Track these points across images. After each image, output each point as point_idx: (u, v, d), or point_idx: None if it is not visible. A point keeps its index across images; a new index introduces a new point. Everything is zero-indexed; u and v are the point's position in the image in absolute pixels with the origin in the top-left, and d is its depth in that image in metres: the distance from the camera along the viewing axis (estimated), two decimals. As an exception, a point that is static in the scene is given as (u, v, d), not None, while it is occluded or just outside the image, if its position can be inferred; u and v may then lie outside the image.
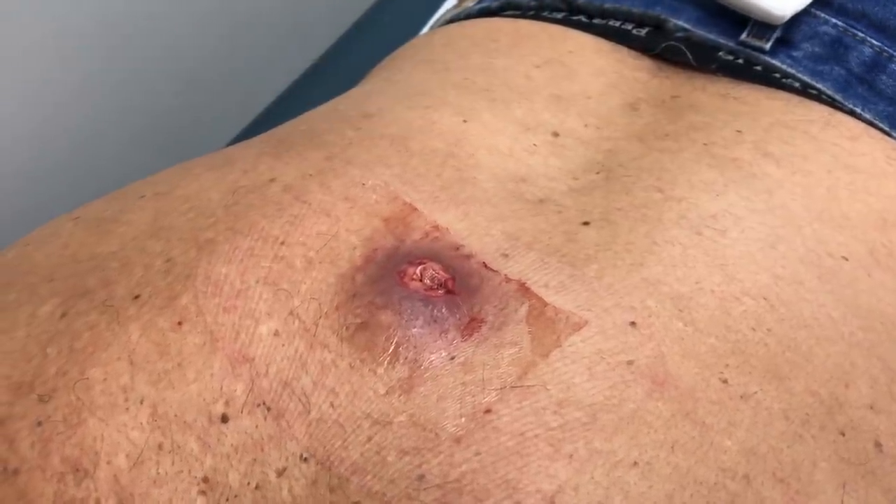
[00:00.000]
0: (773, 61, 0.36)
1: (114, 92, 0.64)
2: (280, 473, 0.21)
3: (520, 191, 0.29)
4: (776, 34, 0.36)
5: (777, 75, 0.35)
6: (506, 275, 0.25)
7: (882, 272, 0.29)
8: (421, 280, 0.24)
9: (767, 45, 0.36)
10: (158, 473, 0.21)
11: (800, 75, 0.35)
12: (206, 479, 0.21)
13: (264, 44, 0.73)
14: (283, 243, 0.25)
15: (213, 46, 0.69)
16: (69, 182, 0.61)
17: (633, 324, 0.24)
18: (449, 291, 0.24)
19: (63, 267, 0.25)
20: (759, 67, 0.36)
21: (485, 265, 0.25)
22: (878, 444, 0.24)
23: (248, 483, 0.21)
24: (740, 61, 0.36)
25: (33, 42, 0.58)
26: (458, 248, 0.25)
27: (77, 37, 0.60)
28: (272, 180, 0.27)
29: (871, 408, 0.24)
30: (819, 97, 0.34)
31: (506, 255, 0.25)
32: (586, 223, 0.27)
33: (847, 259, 0.28)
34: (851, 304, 0.27)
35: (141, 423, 0.21)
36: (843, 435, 0.23)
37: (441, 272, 0.24)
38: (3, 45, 0.56)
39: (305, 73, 0.67)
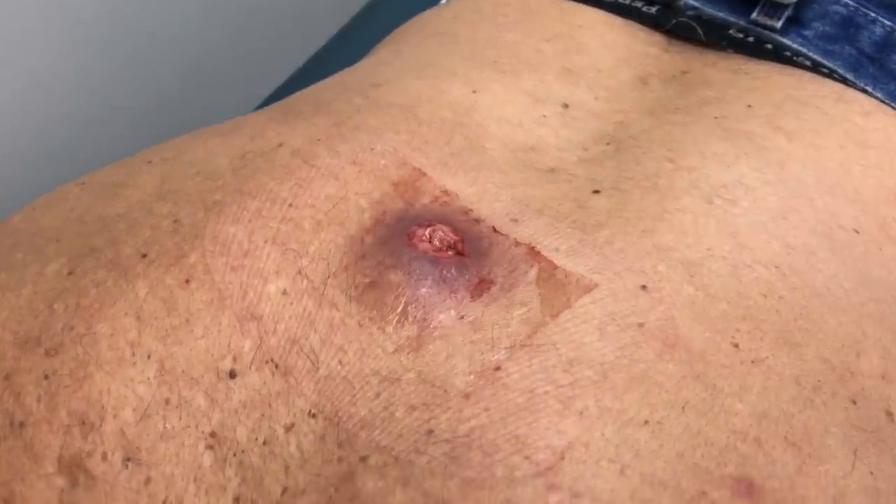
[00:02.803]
0: (784, 40, 0.35)
1: (115, 79, 0.64)
2: (288, 429, 0.21)
3: (529, 160, 0.29)
4: (787, 13, 0.36)
5: (788, 54, 0.35)
6: (515, 239, 0.24)
7: (893, 246, 0.29)
8: (430, 241, 0.24)
9: (778, 24, 0.36)
10: (165, 428, 0.21)
11: (811, 54, 0.35)
12: (213, 434, 0.21)
13: (269, 30, 0.73)
14: (291, 205, 0.24)
15: (217, 33, 0.69)
16: (70, 168, 0.61)
17: (643, 287, 0.23)
18: (458, 253, 0.24)
19: (69, 228, 0.25)
20: (769, 46, 0.35)
21: (494, 229, 0.25)
22: (889, 414, 0.23)
23: (256, 438, 0.21)
24: (751, 40, 0.36)
25: (35, 26, 0.58)
26: (467, 213, 0.25)
27: (78, 21, 0.60)
28: (280, 145, 0.27)
29: (883, 377, 0.24)
30: (830, 75, 0.34)
31: (515, 221, 0.25)
32: (597, 192, 0.27)
33: (858, 232, 0.28)
34: (863, 276, 0.27)
35: (148, 378, 0.21)
36: (855, 403, 0.23)
37: (450, 234, 0.24)
38: (3, 30, 0.56)
39: (310, 61, 0.67)
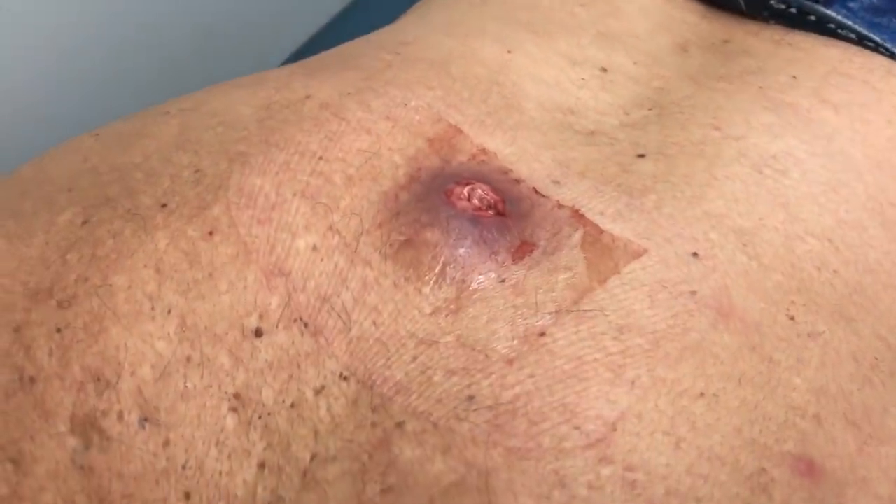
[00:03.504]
0: (828, 11, 0.34)
1: (128, 39, 0.62)
2: (318, 392, 0.19)
3: (568, 122, 0.27)
4: None
5: (832, 26, 0.34)
6: (558, 201, 0.23)
7: None
8: (469, 200, 0.22)
9: None
10: (186, 387, 0.19)
11: (856, 27, 0.34)
12: (237, 396, 0.19)
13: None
14: (321, 158, 0.23)
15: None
16: (82, 129, 0.59)
17: (695, 255, 0.22)
18: (499, 213, 0.22)
19: (82, 178, 0.24)
20: (812, 17, 0.34)
21: (535, 190, 0.23)
22: None
23: (284, 401, 0.19)
24: (793, 10, 0.34)
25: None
26: (506, 173, 0.24)
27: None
28: (308, 97, 0.25)
29: None
30: (877, 49, 0.33)
31: (557, 182, 0.24)
32: (641, 156, 0.25)
33: None
34: None
35: (168, 334, 0.20)
36: None
37: (491, 193, 0.22)
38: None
39: (326, 27, 0.66)
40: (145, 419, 0.19)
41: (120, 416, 0.19)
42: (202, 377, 0.19)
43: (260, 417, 0.19)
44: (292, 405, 0.19)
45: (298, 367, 0.20)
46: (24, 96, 0.57)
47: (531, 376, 0.19)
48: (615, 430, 0.18)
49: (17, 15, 0.54)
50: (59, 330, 0.20)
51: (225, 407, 0.19)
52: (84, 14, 0.58)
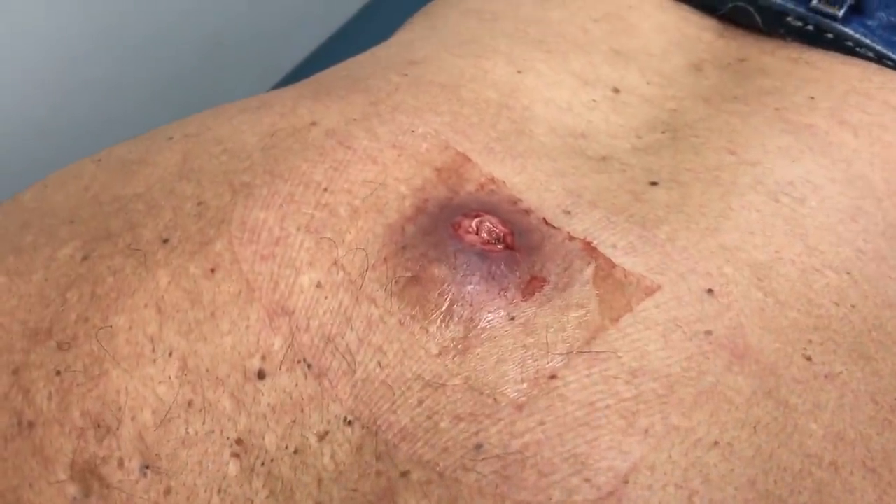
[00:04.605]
0: (846, 29, 0.33)
1: (131, 52, 0.62)
2: (321, 437, 0.19)
3: (580, 147, 0.26)
4: (849, 1, 0.34)
5: (849, 44, 0.33)
6: (569, 232, 0.22)
7: None
8: (477, 233, 0.22)
9: (840, 13, 0.33)
10: (188, 433, 0.19)
11: (874, 45, 0.33)
12: (239, 441, 0.19)
13: (292, 4, 0.71)
14: (326, 190, 0.22)
15: (237, 5, 0.67)
16: (84, 145, 0.58)
17: (709, 291, 0.21)
18: (508, 247, 0.22)
19: (84, 209, 0.23)
20: (830, 35, 0.33)
21: (545, 221, 0.23)
22: None
23: (287, 447, 0.19)
24: (810, 28, 0.34)
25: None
26: (515, 203, 0.23)
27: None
28: (313, 124, 0.25)
29: None
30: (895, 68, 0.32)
31: (568, 213, 0.23)
32: (654, 183, 0.25)
33: None
34: None
35: (169, 377, 0.19)
36: None
37: (499, 226, 0.22)
38: (18, 4, 0.53)
39: (333, 37, 0.65)
40: (146, 466, 0.18)
41: (120, 463, 0.18)
42: (204, 422, 0.19)
43: (262, 464, 0.19)
44: (295, 451, 0.19)
45: (302, 410, 0.19)
46: (28, 109, 0.57)
47: (541, 423, 0.18)
48: (627, 482, 0.18)
49: (20, 26, 0.54)
50: (58, 373, 0.19)
51: (227, 453, 0.19)
52: (87, 28, 0.58)
